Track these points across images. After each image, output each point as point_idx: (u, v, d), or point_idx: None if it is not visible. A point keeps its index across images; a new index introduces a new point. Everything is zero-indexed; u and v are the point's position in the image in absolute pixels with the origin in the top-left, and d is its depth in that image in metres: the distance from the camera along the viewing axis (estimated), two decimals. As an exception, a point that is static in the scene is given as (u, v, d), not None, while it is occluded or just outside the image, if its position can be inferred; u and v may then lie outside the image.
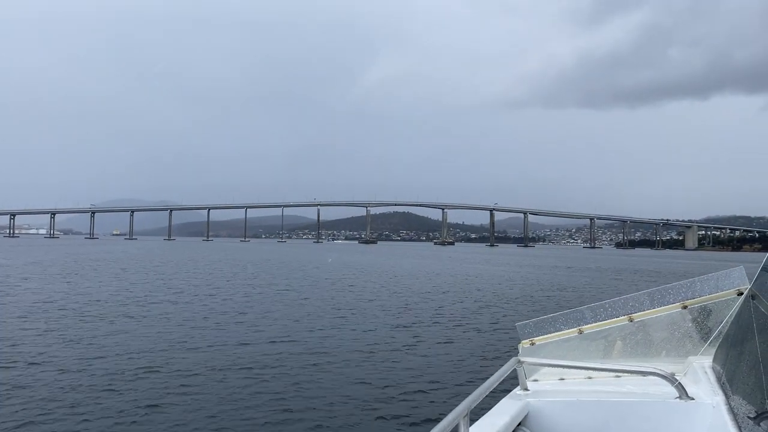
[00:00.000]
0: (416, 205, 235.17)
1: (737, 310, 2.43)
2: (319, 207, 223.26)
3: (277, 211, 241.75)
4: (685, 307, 2.59)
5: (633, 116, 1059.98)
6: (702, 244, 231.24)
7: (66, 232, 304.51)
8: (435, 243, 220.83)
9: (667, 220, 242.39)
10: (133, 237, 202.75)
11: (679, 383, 2.18)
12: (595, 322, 2.77)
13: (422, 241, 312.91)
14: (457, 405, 1.73)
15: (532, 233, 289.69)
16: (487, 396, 1.96)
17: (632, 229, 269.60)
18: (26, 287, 22.32)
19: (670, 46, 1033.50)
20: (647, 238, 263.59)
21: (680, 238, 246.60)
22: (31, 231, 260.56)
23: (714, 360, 2.47)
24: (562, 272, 43.91)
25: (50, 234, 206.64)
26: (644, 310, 2.67)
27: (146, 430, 6.40)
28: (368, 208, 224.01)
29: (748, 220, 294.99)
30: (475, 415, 1.89)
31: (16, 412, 6.84)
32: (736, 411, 1.89)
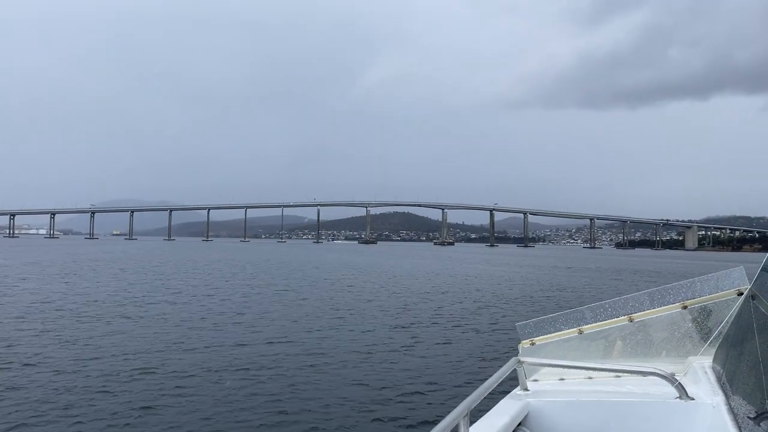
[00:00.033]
0: (416, 205, 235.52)
1: (737, 310, 2.44)
2: (319, 207, 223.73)
3: (277, 211, 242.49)
4: (685, 307, 2.59)
5: (633, 116, 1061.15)
6: (702, 244, 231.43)
7: (66, 233, 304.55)
8: (435, 243, 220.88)
9: (667, 220, 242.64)
10: (133, 237, 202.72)
11: (679, 383, 2.18)
12: (595, 322, 2.78)
13: (422, 241, 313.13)
14: (456, 405, 1.73)
15: (532, 233, 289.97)
16: (487, 396, 1.96)
17: (632, 230, 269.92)
18: (24, 287, 22.26)
19: (670, 46, 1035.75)
20: (647, 238, 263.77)
21: (680, 238, 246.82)
22: (31, 231, 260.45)
23: (714, 360, 2.47)
24: (562, 272, 43.90)
25: (50, 234, 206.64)
26: (644, 310, 2.68)
27: (140, 432, 6.33)
28: (368, 209, 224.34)
29: (748, 220, 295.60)
30: (475, 415, 1.89)
31: (9, 414, 6.77)
32: (736, 411, 1.89)
